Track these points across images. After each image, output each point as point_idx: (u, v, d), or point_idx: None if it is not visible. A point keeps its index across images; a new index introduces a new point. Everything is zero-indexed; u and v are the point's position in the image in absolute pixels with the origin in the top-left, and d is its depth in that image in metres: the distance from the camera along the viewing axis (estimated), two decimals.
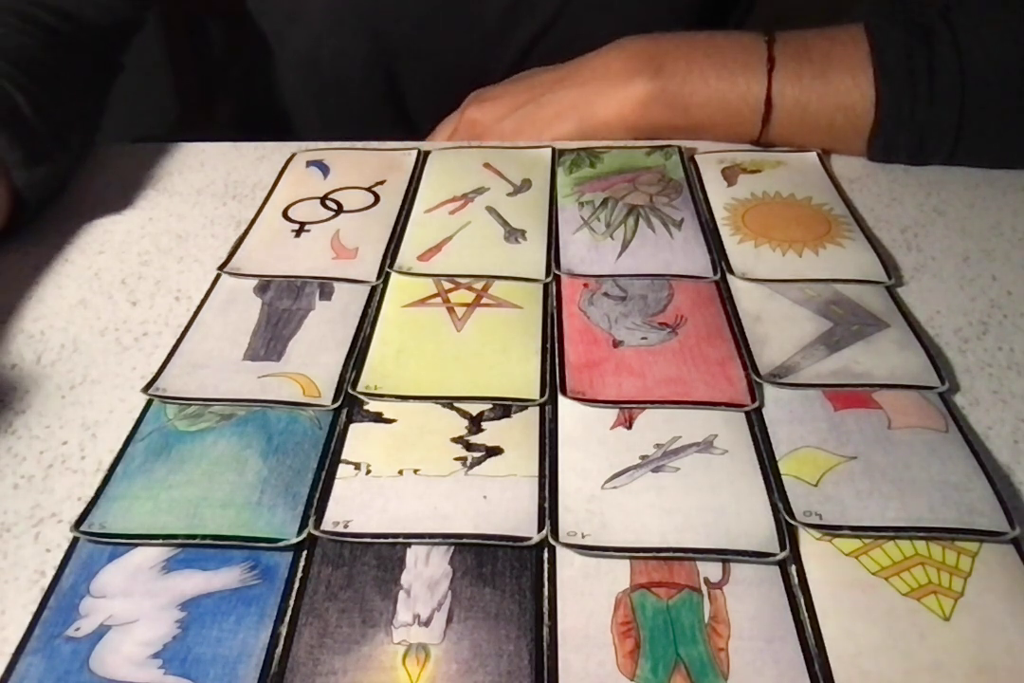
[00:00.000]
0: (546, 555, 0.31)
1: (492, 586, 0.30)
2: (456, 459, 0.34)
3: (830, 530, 0.31)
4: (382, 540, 0.31)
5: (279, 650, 0.28)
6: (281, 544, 0.31)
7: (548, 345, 0.39)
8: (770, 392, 0.37)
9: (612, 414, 0.36)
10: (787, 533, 0.31)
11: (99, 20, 0.56)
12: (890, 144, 0.51)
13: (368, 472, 0.33)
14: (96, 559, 0.31)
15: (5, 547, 0.32)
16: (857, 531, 0.31)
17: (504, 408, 0.36)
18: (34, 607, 0.29)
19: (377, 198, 0.50)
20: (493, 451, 0.34)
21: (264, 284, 0.43)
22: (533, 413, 0.36)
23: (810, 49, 0.52)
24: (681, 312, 0.41)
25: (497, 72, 0.61)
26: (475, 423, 0.35)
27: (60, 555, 0.31)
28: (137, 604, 0.29)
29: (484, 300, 0.42)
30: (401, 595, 0.29)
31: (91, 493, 0.33)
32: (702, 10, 0.66)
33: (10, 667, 0.27)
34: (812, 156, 0.54)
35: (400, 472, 0.33)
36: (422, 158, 0.54)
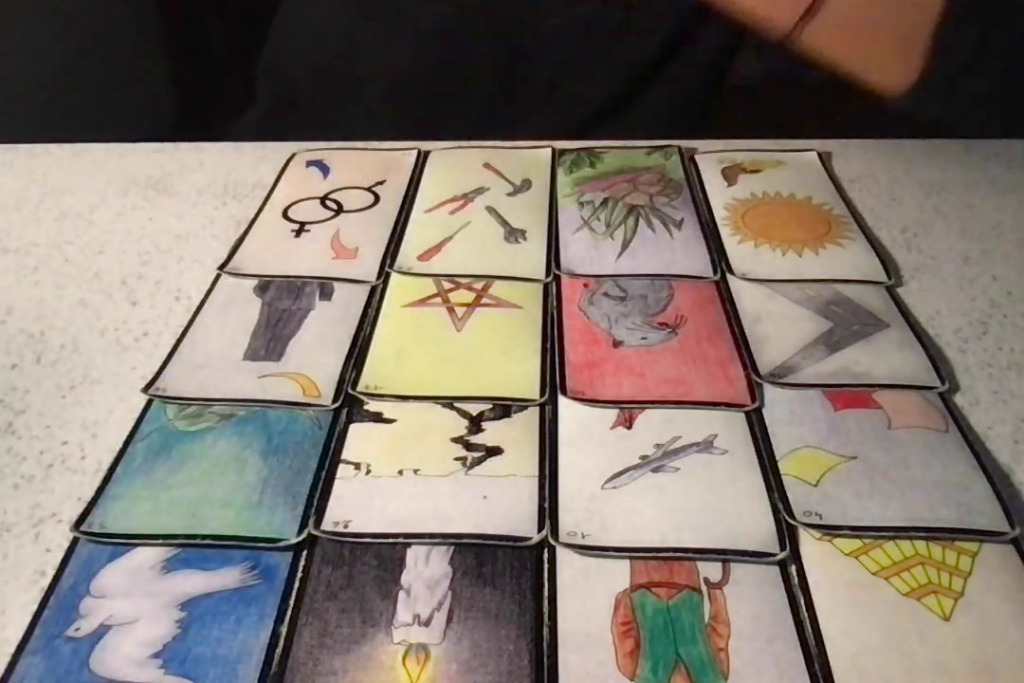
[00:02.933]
0: (546, 555, 0.31)
1: (492, 586, 0.30)
2: (456, 459, 0.34)
3: (830, 530, 0.31)
4: (382, 540, 0.31)
5: (279, 650, 0.28)
6: (281, 544, 0.31)
7: (548, 345, 0.39)
8: (770, 392, 0.37)
9: (612, 414, 0.36)
10: (787, 533, 0.31)
11: None
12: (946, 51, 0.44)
13: (368, 472, 0.33)
14: (96, 559, 0.31)
15: (5, 547, 0.32)
16: (857, 531, 0.31)
17: (504, 408, 0.36)
18: (34, 607, 0.29)
19: (377, 198, 0.50)
20: (493, 451, 0.34)
21: (264, 284, 0.43)
22: (533, 413, 0.36)
23: None
24: (681, 312, 0.41)
25: (490, 70, 0.61)
26: (475, 423, 0.35)
27: (60, 555, 0.31)
28: (137, 604, 0.29)
29: (484, 300, 0.42)
30: (401, 595, 0.29)
31: (91, 493, 0.33)
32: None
33: (10, 667, 0.27)
34: (812, 156, 0.54)
35: (400, 472, 0.33)
36: (422, 158, 0.54)
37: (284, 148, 0.56)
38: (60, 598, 0.29)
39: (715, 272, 0.44)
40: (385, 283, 0.43)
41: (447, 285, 0.43)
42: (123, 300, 0.43)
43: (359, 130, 0.58)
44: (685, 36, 0.67)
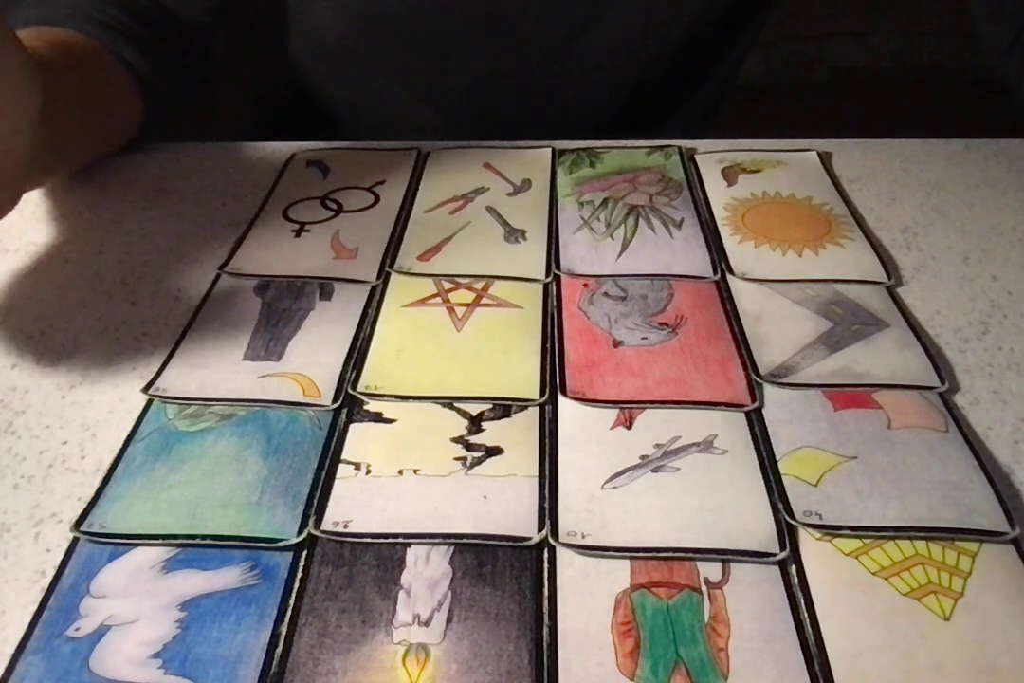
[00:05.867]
0: (546, 555, 0.31)
1: (492, 586, 0.30)
2: (456, 459, 0.34)
3: (830, 530, 0.31)
4: (382, 540, 0.31)
5: (279, 650, 0.28)
6: (281, 544, 0.31)
7: (548, 345, 0.39)
8: (770, 392, 0.37)
9: (612, 414, 0.36)
10: (787, 533, 0.31)
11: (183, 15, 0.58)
12: None
13: (368, 472, 0.33)
14: (96, 559, 0.31)
15: (5, 547, 0.32)
16: (857, 531, 0.31)
17: (504, 408, 0.36)
18: (34, 607, 0.29)
19: (377, 198, 0.50)
20: (493, 451, 0.34)
21: (264, 284, 0.43)
22: (533, 413, 0.36)
23: None
24: (681, 312, 0.41)
25: (530, 73, 0.61)
26: (475, 423, 0.35)
27: (60, 555, 0.31)
28: (137, 604, 0.29)
29: (484, 300, 0.42)
30: (401, 595, 0.29)
31: (91, 493, 0.33)
32: (732, 4, 0.66)
33: (10, 667, 0.27)
34: (812, 156, 0.54)
35: (400, 472, 0.33)
36: (422, 158, 0.54)
37: (284, 148, 0.56)
38: (60, 598, 0.29)
39: (715, 272, 0.44)
40: (385, 283, 0.43)
41: (447, 285, 0.43)
42: (123, 300, 0.43)
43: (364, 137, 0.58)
44: (708, 51, 0.67)
